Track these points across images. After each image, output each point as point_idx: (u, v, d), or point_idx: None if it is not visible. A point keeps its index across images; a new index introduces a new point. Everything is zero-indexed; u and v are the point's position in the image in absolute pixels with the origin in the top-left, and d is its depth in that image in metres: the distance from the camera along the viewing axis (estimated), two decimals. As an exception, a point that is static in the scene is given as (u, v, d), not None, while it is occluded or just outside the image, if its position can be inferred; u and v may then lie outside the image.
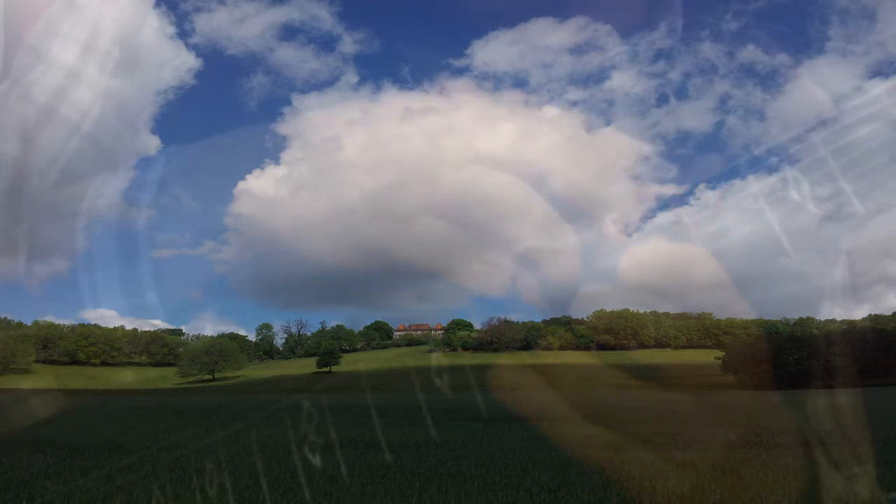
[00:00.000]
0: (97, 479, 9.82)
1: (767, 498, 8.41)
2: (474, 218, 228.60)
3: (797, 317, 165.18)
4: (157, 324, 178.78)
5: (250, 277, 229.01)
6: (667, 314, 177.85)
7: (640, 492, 8.75)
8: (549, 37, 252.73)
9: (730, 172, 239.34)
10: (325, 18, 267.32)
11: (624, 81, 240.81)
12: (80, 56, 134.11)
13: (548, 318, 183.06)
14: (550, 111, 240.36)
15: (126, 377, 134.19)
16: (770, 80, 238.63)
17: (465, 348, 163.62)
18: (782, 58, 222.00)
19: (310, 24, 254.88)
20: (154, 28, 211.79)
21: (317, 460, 9.56)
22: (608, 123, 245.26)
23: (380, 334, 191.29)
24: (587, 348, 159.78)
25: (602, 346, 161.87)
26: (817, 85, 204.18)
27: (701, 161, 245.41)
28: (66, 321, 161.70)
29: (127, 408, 40.30)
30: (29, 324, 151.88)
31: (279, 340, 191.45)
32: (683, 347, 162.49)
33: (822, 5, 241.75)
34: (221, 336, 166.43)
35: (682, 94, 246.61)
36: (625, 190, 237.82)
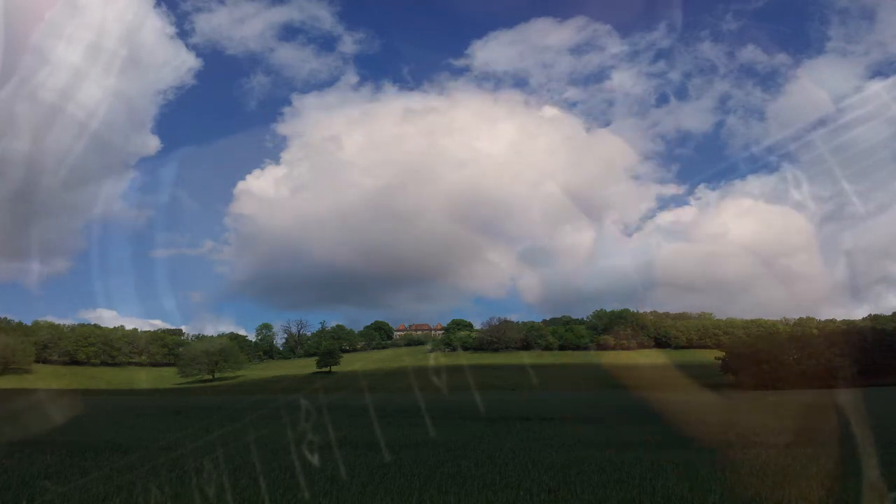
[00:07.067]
0: (97, 478, 9.80)
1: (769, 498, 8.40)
2: (474, 218, 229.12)
3: (797, 317, 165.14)
4: (157, 324, 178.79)
5: (250, 277, 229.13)
6: (667, 314, 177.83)
7: (639, 492, 8.75)
8: (549, 37, 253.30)
9: (730, 172, 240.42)
10: (325, 18, 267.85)
11: (624, 81, 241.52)
12: (81, 56, 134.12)
13: (548, 318, 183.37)
14: (550, 111, 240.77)
15: (134, 377, 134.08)
16: (770, 80, 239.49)
17: (465, 348, 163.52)
18: (782, 58, 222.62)
19: (310, 24, 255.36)
20: (154, 28, 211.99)
21: (315, 460, 9.54)
22: (608, 123, 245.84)
23: (380, 334, 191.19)
24: (587, 348, 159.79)
25: (602, 347, 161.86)
26: (817, 85, 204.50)
27: (701, 161, 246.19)
28: (66, 321, 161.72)
29: (126, 408, 40.28)
30: (29, 324, 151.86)
31: (279, 340, 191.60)
32: (683, 347, 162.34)
33: (822, 5, 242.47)
34: (221, 336, 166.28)
35: (682, 94, 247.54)
36: (625, 190, 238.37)
